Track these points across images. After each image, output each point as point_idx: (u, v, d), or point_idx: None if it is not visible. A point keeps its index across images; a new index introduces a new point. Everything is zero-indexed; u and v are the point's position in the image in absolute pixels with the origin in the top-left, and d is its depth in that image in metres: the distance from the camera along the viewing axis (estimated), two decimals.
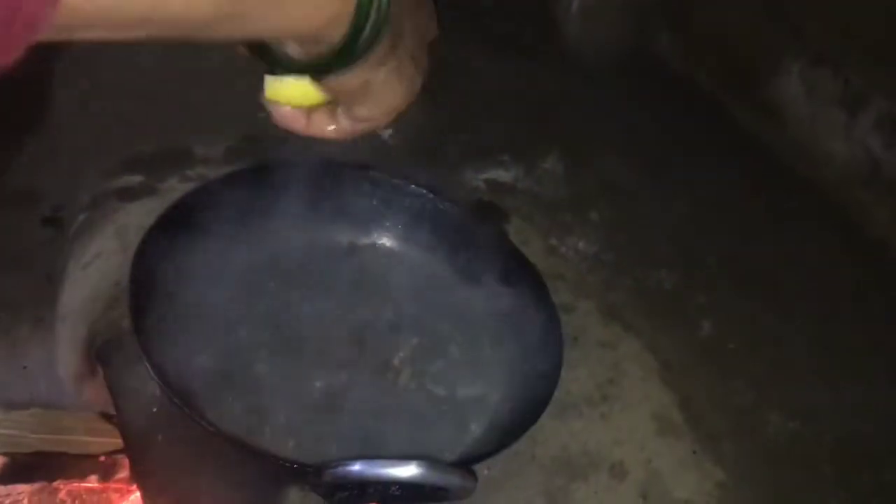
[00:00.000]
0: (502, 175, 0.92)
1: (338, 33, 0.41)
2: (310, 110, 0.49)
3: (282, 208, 0.71)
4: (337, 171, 0.74)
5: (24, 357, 0.77)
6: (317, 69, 0.44)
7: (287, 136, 0.87)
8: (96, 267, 0.72)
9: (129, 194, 0.78)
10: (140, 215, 0.75)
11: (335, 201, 0.74)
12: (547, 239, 0.86)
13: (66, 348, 0.72)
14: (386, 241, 0.75)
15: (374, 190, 0.74)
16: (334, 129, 0.50)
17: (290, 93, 0.47)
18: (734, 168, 1.01)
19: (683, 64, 1.14)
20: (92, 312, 0.70)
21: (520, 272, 0.72)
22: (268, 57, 0.44)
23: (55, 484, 0.68)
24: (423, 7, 0.51)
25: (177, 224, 0.64)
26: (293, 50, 0.43)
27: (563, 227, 0.88)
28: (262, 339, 0.65)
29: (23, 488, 0.68)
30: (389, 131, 0.92)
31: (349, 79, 0.44)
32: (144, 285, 0.60)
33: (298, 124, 0.50)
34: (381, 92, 0.47)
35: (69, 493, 0.68)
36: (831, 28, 0.98)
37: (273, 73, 0.46)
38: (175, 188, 0.77)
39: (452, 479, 0.51)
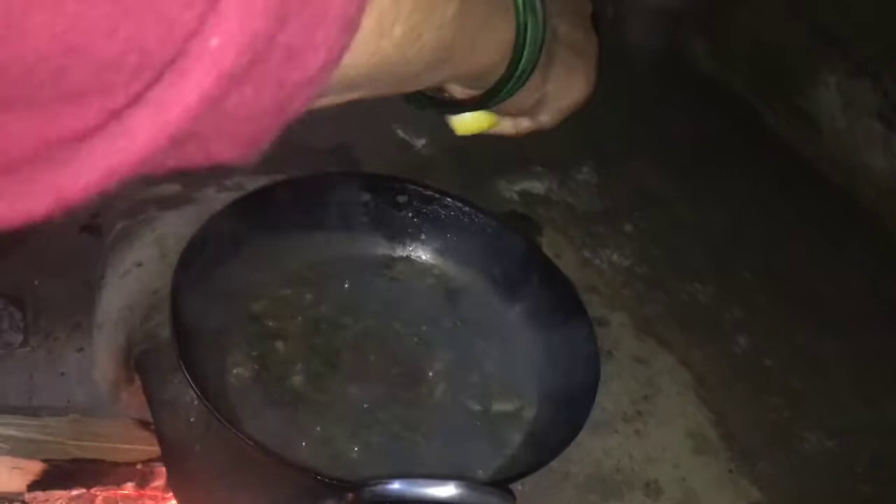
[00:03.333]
0: (536, 186, 0.92)
1: (498, 73, 0.42)
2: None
3: (318, 220, 0.72)
4: (372, 183, 0.74)
5: (62, 363, 0.78)
6: (474, 106, 0.46)
7: (320, 148, 0.88)
8: (135, 275, 0.73)
9: (166, 203, 0.79)
10: (178, 224, 0.75)
11: (371, 214, 0.74)
12: (580, 251, 0.85)
13: (103, 356, 0.73)
14: (421, 253, 0.75)
15: (409, 202, 0.74)
16: (516, 130, 0.53)
17: (471, 125, 0.52)
18: (770, 179, 1.00)
19: (719, 73, 1.13)
20: (130, 321, 0.71)
21: (555, 285, 0.71)
22: (419, 101, 0.47)
23: (92, 491, 0.69)
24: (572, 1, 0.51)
25: (217, 236, 0.65)
26: (456, 91, 0.45)
27: (596, 239, 0.87)
28: (298, 351, 0.66)
29: (60, 494, 0.69)
30: (423, 141, 0.92)
31: (518, 101, 0.45)
32: (184, 296, 0.61)
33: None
34: (555, 98, 0.49)
35: (106, 499, 0.69)
36: (870, 40, 0.97)
37: (422, 109, 0.49)
38: (212, 197, 0.78)
39: (491, 500, 0.51)
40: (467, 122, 0.52)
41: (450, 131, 0.56)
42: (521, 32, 0.41)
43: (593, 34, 0.52)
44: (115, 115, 0.24)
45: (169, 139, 0.24)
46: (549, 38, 0.43)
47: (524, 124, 0.53)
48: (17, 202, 0.24)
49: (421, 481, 0.49)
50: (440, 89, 0.47)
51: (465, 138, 0.54)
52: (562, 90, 0.49)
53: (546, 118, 0.51)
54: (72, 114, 0.23)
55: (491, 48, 0.40)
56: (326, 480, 0.53)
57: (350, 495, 0.51)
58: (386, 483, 0.49)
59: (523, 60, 0.41)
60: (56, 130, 0.23)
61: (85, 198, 0.24)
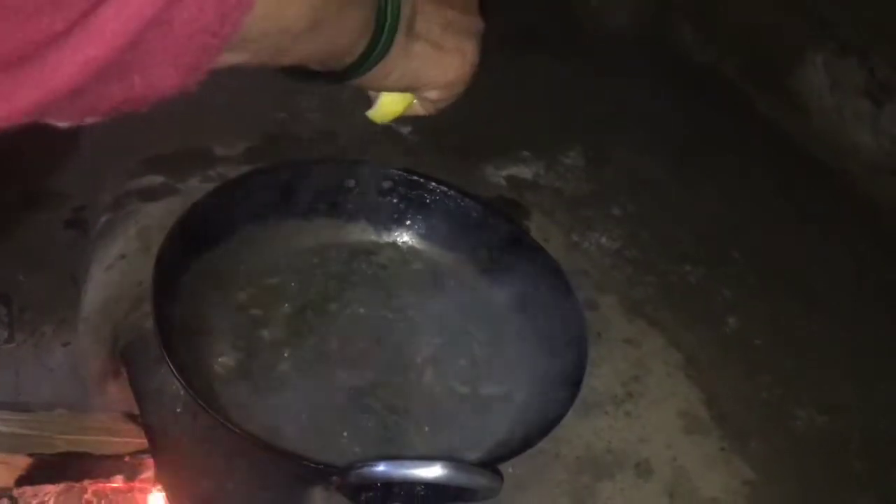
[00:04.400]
0: (523, 171, 0.92)
1: (357, 52, 0.45)
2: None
3: (302, 207, 0.71)
4: (357, 169, 0.74)
5: (48, 358, 0.78)
6: (336, 77, 0.48)
7: (306, 136, 0.88)
8: (119, 268, 0.72)
9: (150, 195, 0.78)
10: (162, 216, 0.75)
11: (355, 200, 0.73)
12: (569, 235, 0.85)
13: (89, 349, 0.73)
14: (407, 238, 0.75)
15: (394, 188, 0.74)
16: (427, 110, 0.57)
17: (387, 110, 0.57)
18: (759, 160, 1.00)
19: (706, 55, 1.13)
20: (115, 313, 0.71)
21: (542, 269, 0.71)
22: (293, 74, 0.48)
23: (81, 484, 0.68)
24: None
25: (198, 224, 0.64)
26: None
27: (585, 223, 0.87)
28: (284, 338, 0.65)
29: (49, 489, 0.68)
30: (409, 128, 0.92)
31: (379, 76, 0.48)
32: (167, 286, 0.60)
33: None
34: (427, 75, 0.51)
35: (95, 492, 0.69)
36: (856, 18, 0.97)
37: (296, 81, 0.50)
38: (196, 188, 0.77)
39: (479, 480, 0.50)
40: (384, 109, 0.56)
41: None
42: (381, 10, 0.44)
43: (476, 16, 0.55)
44: (84, 15, 0.28)
45: (130, 37, 0.28)
46: (408, 15, 0.47)
47: (423, 107, 0.57)
48: (8, 101, 0.28)
49: (407, 462, 0.49)
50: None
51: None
52: (432, 67, 0.51)
53: (433, 94, 0.54)
54: (51, 15, 0.27)
55: (355, 23, 0.43)
56: (312, 465, 0.53)
57: (336, 479, 0.51)
58: (372, 465, 0.49)
59: (384, 35, 0.45)
60: (34, 34, 0.27)
61: (66, 93, 0.28)
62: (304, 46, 0.40)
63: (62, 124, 0.32)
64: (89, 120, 0.32)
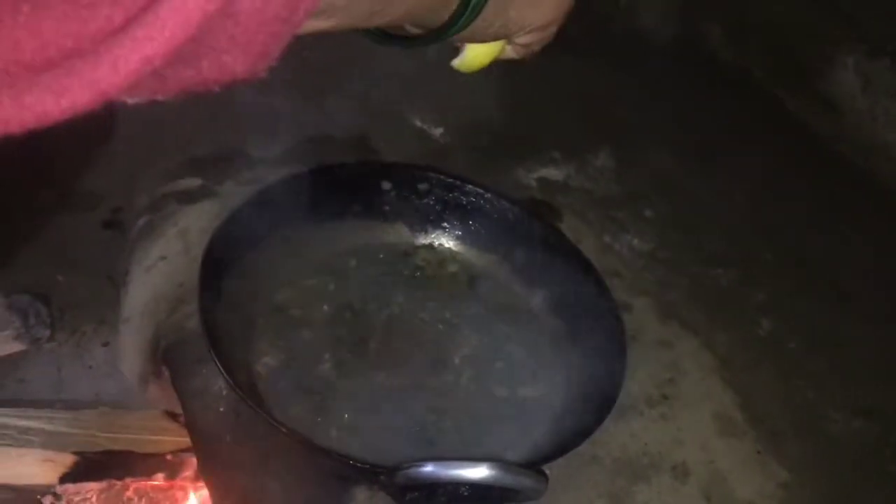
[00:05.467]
0: (553, 173, 0.92)
1: (450, 9, 0.43)
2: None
3: (340, 210, 0.72)
4: (393, 172, 0.74)
5: (89, 357, 0.79)
6: (430, 39, 0.46)
7: (339, 137, 0.89)
8: (159, 269, 0.73)
9: (188, 197, 0.79)
10: (200, 218, 0.76)
11: (392, 203, 0.74)
12: (601, 237, 0.85)
13: (131, 349, 0.74)
14: (444, 240, 0.75)
15: (430, 190, 0.74)
16: (521, 55, 0.53)
17: (476, 60, 0.52)
18: (790, 161, 1.00)
19: (735, 56, 1.13)
20: (156, 314, 0.72)
21: (578, 270, 0.71)
22: (380, 37, 0.47)
23: (123, 482, 0.69)
24: None
25: (240, 227, 0.65)
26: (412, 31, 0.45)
27: (617, 225, 0.87)
28: (325, 339, 0.66)
29: (91, 486, 0.69)
30: (440, 130, 0.92)
31: (478, 31, 0.45)
32: (211, 288, 0.61)
33: None
34: (522, 20, 0.48)
35: (136, 490, 0.70)
36: (888, 19, 0.97)
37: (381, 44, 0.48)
38: (233, 191, 0.78)
39: (524, 481, 0.51)
40: (472, 58, 0.51)
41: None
42: None
43: None
44: (143, 9, 0.26)
45: (192, 32, 0.27)
46: None
47: (515, 52, 0.53)
48: (62, 97, 0.26)
49: (454, 463, 0.49)
50: (399, 28, 0.47)
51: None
52: (530, 10, 0.48)
53: (525, 38, 0.51)
54: (107, 10, 0.26)
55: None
56: (359, 465, 0.54)
57: (383, 478, 0.51)
58: (419, 465, 0.49)
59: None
60: (92, 27, 0.26)
61: (123, 90, 0.27)
62: (400, 3, 0.38)
63: (130, 101, 0.30)
64: (160, 98, 0.31)
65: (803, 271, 0.86)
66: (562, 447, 0.60)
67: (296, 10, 0.30)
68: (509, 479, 0.50)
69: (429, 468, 0.49)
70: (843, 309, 0.83)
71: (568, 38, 1.21)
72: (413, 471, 0.49)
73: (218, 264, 0.63)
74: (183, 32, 0.27)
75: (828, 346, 0.80)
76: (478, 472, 0.49)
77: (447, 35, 0.44)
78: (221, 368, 0.55)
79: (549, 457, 0.60)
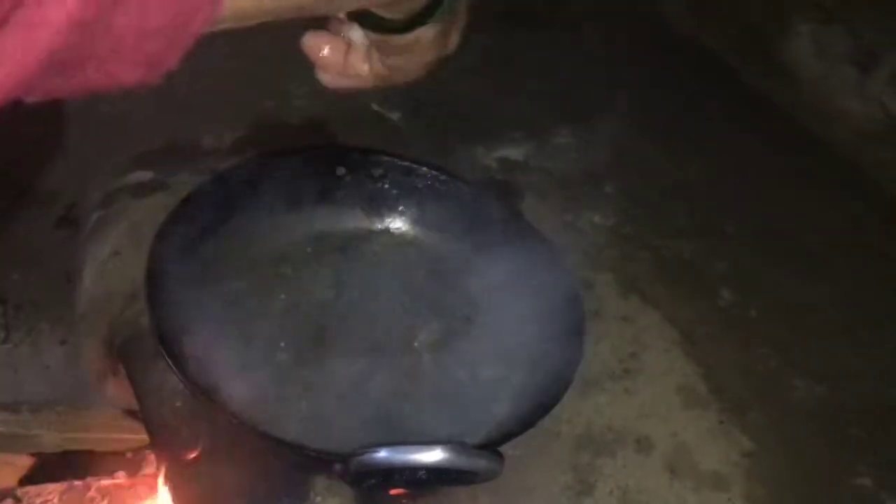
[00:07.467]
0: (514, 153, 0.91)
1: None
2: (346, 53, 0.51)
3: (293, 197, 0.71)
4: (347, 156, 0.73)
5: (47, 356, 0.78)
6: (402, 28, 0.46)
7: (294, 123, 0.88)
8: (113, 265, 0.72)
9: (141, 191, 0.78)
10: (153, 211, 0.74)
11: (347, 188, 0.73)
12: (562, 215, 0.85)
13: (87, 346, 0.72)
14: (400, 224, 0.75)
15: (385, 174, 0.74)
16: (368, 72, 0.52)
17: None
18: (748, 131, 1.00)
19: (691, 28, 1.12)
20: (111, 310, 0.71)
21: (536, 249, 0.71)
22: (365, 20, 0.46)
23: (84, 481, 0.69)
24: None
25: (189, 218, 0.64)
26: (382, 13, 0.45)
27: (577, 202, 0.87)
28: (281, 329, 0.65)
29: (53, 487, 0.68)
30: (398, 114, 0.91)
31: (411, 35, 0.46)
32: (161, 281, 0.60)
33: (335, 67, 0.52)
34: (426, 48, 0.48)
35: (98, 490, 0.69)
36: None
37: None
38: (186, 182, 0.77)
39: (479, 462, 0.51)
40: None
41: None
42: None
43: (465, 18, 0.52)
44: (14, 8, 0.26)
45: (43, 58, 0.27)
46: None
47: (377, 67, 0.52)
48: None
49: (408, 447, 0.49)
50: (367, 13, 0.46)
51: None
52: (435, 44, 0.49)
53: (401, 62, 0.50)
54: None
55: None
56: (314, 453, 0.53)
57: (338, 466, 0.51)
58: (373, 451, 0.49)
59: None
60: None
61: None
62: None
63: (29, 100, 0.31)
64: (56, 96, 0.31)
65: (763, 240, 0.87)
66: (523, 424, 0.59)
67: (188, 23, 0.30)
68: (465, 461, 0.50)
69: (382, 454, 0.49)
70: (804, 277, 0.84)
71: (525, 13, 1.21)
72: (367, 457, 0.49)
73: (167, 256, 0.61)
74: (33, 59, 0.27)
75: (789, 314, 0.80)
76: (432, 455, 0.49)
77: (413, 25, 0.45)
78: (170, 362, 0.54)
79: (512, 434, 0.59)
